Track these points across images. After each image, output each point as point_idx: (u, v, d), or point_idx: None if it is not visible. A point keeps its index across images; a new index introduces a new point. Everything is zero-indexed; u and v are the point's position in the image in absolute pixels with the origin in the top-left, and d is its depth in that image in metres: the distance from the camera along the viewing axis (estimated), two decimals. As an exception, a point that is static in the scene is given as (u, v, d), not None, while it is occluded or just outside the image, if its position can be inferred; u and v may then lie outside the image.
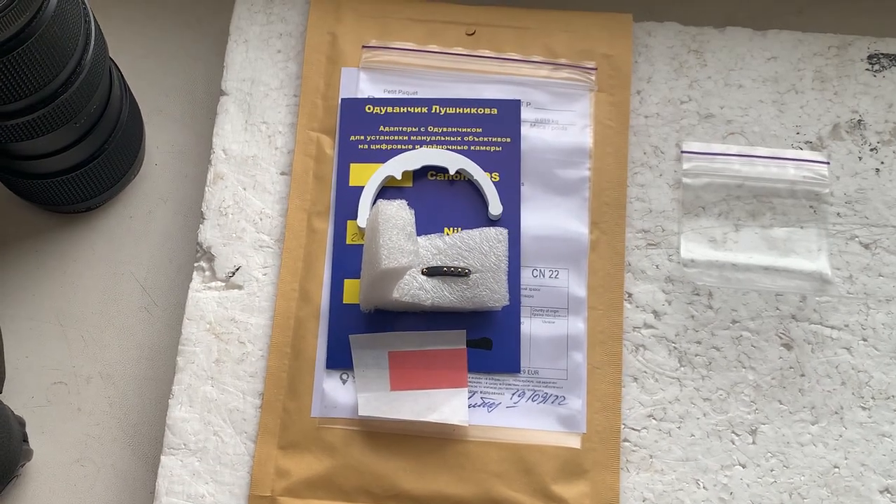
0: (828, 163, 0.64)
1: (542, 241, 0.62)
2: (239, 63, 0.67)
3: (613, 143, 0.64)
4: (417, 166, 0.63)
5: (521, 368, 0.60)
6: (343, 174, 0.63)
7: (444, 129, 0.64)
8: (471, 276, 0.59)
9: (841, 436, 0.60)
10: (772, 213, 0.63)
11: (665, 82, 0.66)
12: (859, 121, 0.65)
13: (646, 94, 0.66)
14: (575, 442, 0.59)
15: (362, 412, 0.58)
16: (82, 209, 0.67)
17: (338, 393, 0.59)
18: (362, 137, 0.64)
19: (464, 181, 0.63)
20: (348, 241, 0.62)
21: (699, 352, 0.61)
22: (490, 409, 0.59)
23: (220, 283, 0.63)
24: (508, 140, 0.63)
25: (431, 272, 0.59)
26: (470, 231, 0.60)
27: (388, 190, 0.63)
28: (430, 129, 0.64)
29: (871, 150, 0.65)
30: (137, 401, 0.64)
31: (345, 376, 0.60)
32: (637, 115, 0.65)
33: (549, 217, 0.62)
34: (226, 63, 0.67)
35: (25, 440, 0.60)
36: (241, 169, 0.65)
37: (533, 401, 0.59)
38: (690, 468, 0.59)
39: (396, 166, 0.62)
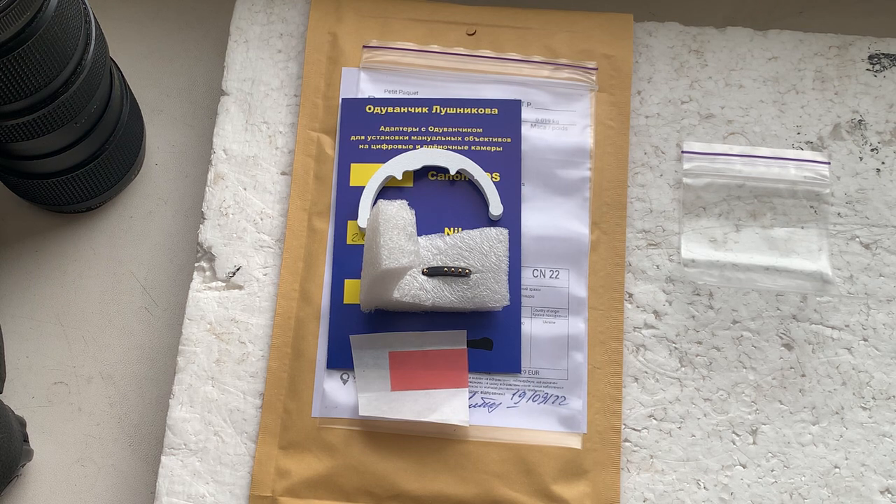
0: (828, 163, 0.64)
1: (543, 242, 0.62)
2: (239, 63, 0.67)
3: (614, 143, 0.64)
4: (418, 166, 0.63)
5: (522, 369, 0.60)
6: (343, 174, 0.63)
7: (445, 129, 0.64)
8: (471, 276, 0.59)
9: (841, 436, 0.60)
10: (772, 213, 0.63)
11: (666, 82, 0.66)
12: (860, 121, 0.65)
13: (646, 94, 0.66)
14: (575, 442, 0.59)
15: (363, 412, 0.58)
16: (82, 209, 0.67)
17: (338, 393, 0.59)
18: (363, 137, 0.64)
19: (464, 181, 0.63)
20: (349, 242, 0.62)
21: (700, 352, 0.61)
22: (491, 410, 0.59)
23: (220, 284, 0.63)
24: (509, 140, 0.63)
25: (432, 272, 0.59)
26: (470, 231, 0.60)
27: (388, 190, 0.63)
28: (430, 129, 0.64)
29: (872, 150, 0.65)
30: (138, 401, 0.64)
31: (345, 376, 0.60)
32: (638, 115, 0.65)
33: (550, 217, 0.62)
34: (226, 63, 0.67)
35: (26, 440, 0.60)
36: (241, 169, 0.65)
37: (533, 401, 0.59)
38: (691, 468, 0.59)
39: (397, 166, 0.62)
